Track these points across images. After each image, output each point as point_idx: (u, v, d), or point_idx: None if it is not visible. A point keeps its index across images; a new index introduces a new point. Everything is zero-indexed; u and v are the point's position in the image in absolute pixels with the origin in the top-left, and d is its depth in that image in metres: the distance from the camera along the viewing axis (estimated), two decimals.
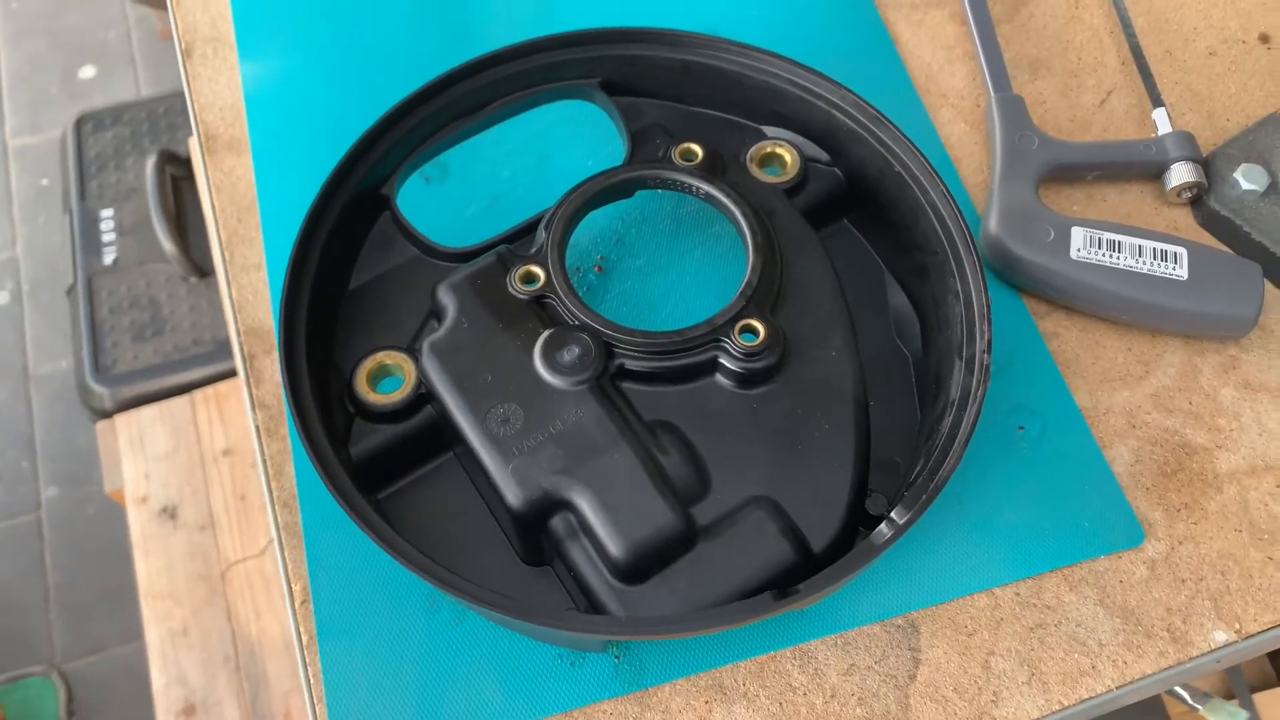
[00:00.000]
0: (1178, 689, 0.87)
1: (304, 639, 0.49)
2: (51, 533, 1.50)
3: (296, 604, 0.50)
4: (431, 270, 0.54)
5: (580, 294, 0.51)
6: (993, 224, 0.56)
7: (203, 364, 1.32)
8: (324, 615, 0.50)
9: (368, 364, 0.50)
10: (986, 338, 0.48)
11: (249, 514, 1.20)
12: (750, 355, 0.48)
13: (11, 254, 1.71)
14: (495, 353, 0.49)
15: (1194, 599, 0.50)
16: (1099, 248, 0.55)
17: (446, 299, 0.51)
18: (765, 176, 0.55)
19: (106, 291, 1.39)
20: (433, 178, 0.60)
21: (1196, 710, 0.87)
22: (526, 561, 0.50)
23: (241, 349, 0.57)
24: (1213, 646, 0.49)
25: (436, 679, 0.48)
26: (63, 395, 1.58)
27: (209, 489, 1.22)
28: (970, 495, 0.51)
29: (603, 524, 0.46)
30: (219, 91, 0.65)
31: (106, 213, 1.45)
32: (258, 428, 0.54)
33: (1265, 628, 0.49)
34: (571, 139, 0.61)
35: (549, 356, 0.49)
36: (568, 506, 0.47)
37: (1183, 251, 0.54)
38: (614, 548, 0.45)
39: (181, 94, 1.52)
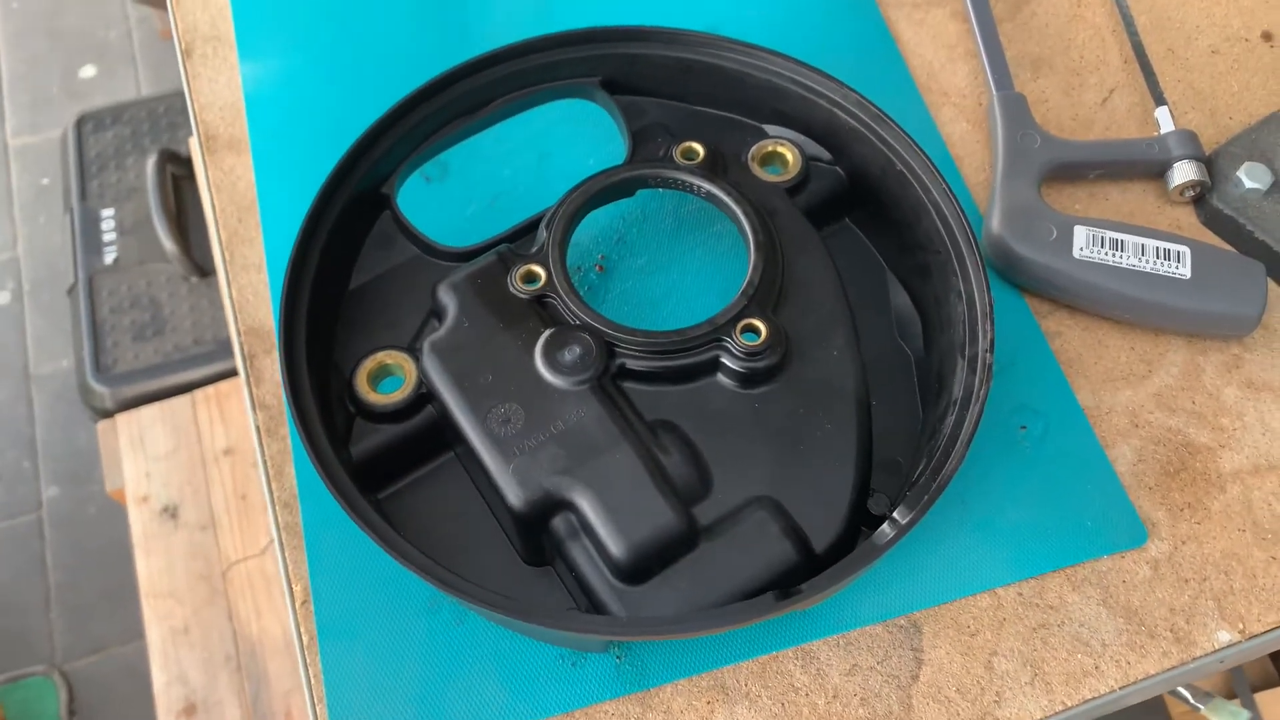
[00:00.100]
0: (1180, 689, 0.87)
1: (305, 639, 0.49)
2: (52, 532, 1.50)
3: (297, 604, 0.50)
4: (432, 270, 0.54)
5: (581, 293, 0.50)
6: (995, 223, 0.56)
7: (203, 363, 1.32)
8: (324, 615, 0.49)
9: (368, 364, 0.50)
10: (989, 337, 0.48)
11: (250, 514, 1.20)
12: (752, 355, 0.48)
13: (12, 254, 1.71)
14: (496, 352, 0.49)
15: (1197, 599, 0.49)
16: (1101, 247, 0.54)
17: (447, 298, 0.51)
18: (767, 175, 0.55)
19: (107, 291, 1.38)
20: (433, 177, 0.60)
21: (1198, 710, 0.87)
22: (527, 562, 0.49)
23: (242, 349, 0.56)
24: (1216, 647, 0.48)
25: (437, 679, 0.48)
26: (64, 395, 1.58)
27: (210, 488, 1.22)
28: (973, 495, 0.51)
29: (604, 524, 0.46)
30: (219, 91, 0.65)
31: (107, 212, 1.45)
32: (258, 428, 0.54)
33: (1269, 628, 0.49)
34: (572, 138, 0.61)
35: (550, 356, 0.49)
36: (569, 506, 0.47)
37: (1185, 250, 0.54)
38: (615, 548, 0.45)
39: (182, 93, 1.52)
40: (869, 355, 0.51)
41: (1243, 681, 1.04)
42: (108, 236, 1.43)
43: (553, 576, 0.49)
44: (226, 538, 1.19)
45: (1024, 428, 0.53)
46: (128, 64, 1.88)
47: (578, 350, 0.49)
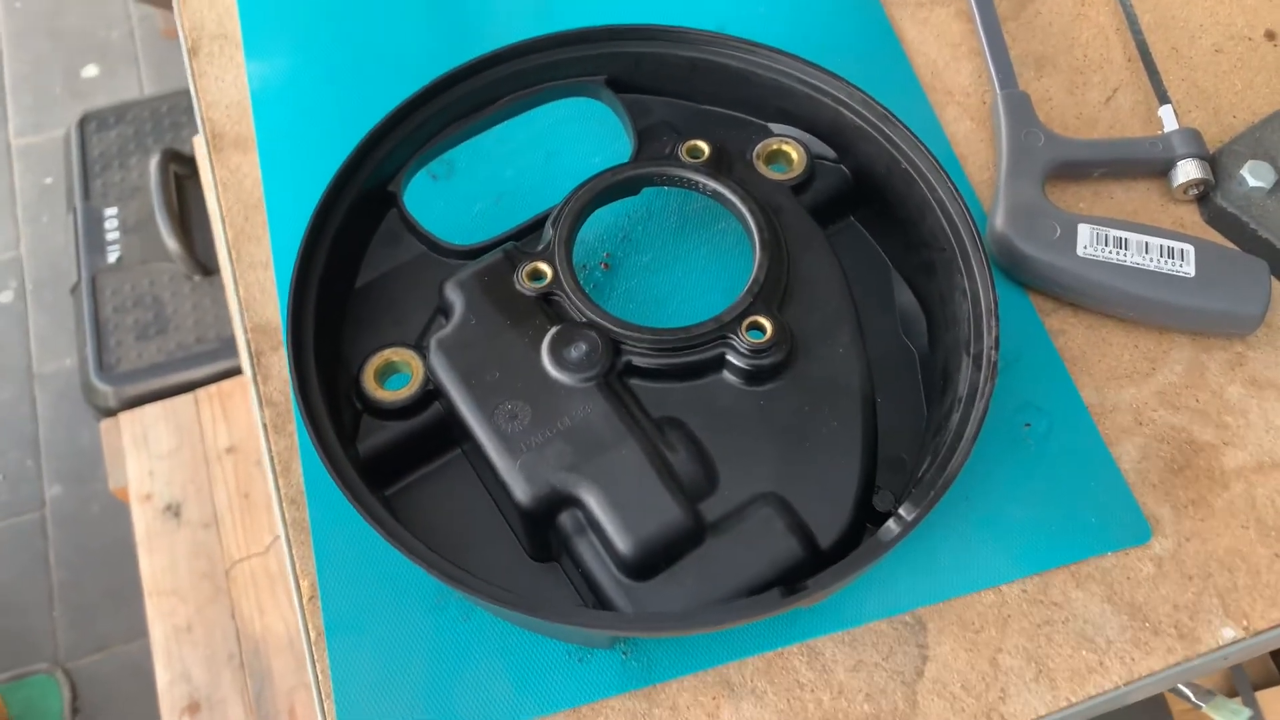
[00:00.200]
0: (1181, 686, 0.87)
1: (312, 635, 0.49)
2: (56, 531, 1.50)
3: (304, 600, 0.50)
4: (438, 267, 0.54)
5: (587, 291, 0.51)
6: (999, 221, 0.56)
7: (206, 362, 1.33)
8: (332, 611, 0.50)
9: (375, 361, 0.50)
10: (994, 334, 0.48)
11: (252, 512, 1.20)
12: (757, 352, 0.48)
13: (15, 253, 1.71)
14: (503, 349, 0.49)
15: (1201, 596, 0.50)
16: (1105, 245, 0.55)
17: (454, 296, 0.51)
18: (772, 174, 0.55)
19: (110, 290, 1.39)
20: (439, 175, 0.60)
21: (1200, 708, 0.87)
22: (534, 558, 0.50)
23: (249, 346, 0.57)
24: (1221, 643, 0.49)
25: (444, 675, 0.48)
26: (67, 394, 1.58)
27: (213, 487, 1.22)
28: (977, 492, 0.51)
29: (610, 520, 0.46)
30: (225, 89, 0.65)
31: (110, 211, 1.46)
32: (265, 424, 0.54)
33: (1273, 624, 0.49)
34: (578, 136, 0.61)
35: (556, 353, 0.49)
36: (575, 503, 0.47)
37: (1189, 248, 0.54)
38: (622, 544, 0.45)
39: (185, 92, 1.52)
40: (874, 352, 0.51)
41: (1244, 679, 1.04)
42: (111, 235, 1.44)
43: (559, 572, 0.49)
44: (229, 536, 1.19)
45: (1028, 425, 0.53)
46: (130, 63, 1.88)
47: (584, 347, 0.49)
